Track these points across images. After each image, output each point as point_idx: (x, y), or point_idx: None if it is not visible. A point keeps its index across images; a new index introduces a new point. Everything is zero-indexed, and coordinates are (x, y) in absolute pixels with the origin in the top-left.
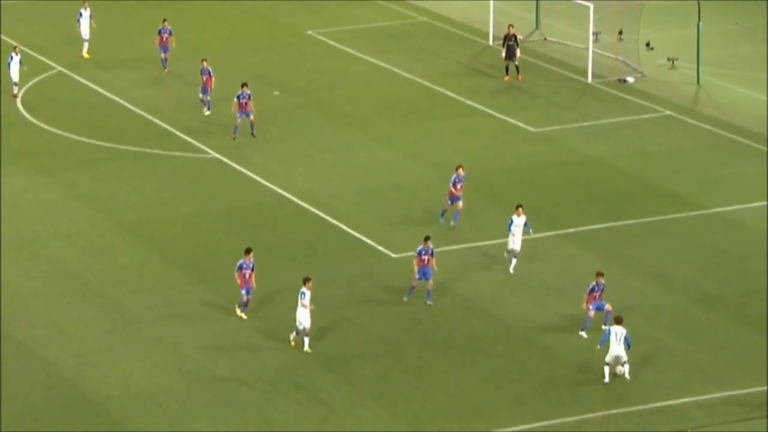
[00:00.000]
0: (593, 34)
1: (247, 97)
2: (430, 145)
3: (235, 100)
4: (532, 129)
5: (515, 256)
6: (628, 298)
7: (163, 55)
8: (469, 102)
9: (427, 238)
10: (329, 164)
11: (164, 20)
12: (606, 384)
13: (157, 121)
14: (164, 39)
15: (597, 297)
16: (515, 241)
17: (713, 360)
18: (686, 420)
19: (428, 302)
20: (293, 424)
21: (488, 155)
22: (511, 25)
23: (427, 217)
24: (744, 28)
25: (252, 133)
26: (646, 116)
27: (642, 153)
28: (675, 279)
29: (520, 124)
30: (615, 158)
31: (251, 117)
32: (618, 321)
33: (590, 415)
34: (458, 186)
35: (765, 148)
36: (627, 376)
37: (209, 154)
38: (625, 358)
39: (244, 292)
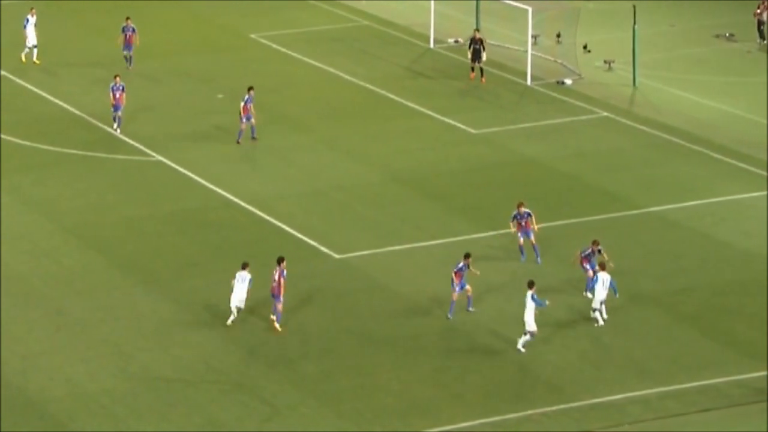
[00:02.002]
0: (532, 37)
1: (250, 100)
2: (373, 147)
3: (242, 103)
4: (472, 130)
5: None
6: (565, 295)
7: (126, 53)
8: (410, 104)
9: (467, 256)
10: (273, 166)
11: (127, 18)
12: (600, 325)
13: (100, 124)
14: (128, 37)
15: (590, 260)
16: (529, 321)
17: (649, 356)
18: (623, 415)
19: (469, 309)
20: (237, 424)
21: (429, 156)
22: (477, 30)
23: (370, 218)
24: (679, 29)
25: (253, 137)
26: (583, 117)
27: (579, 153)
28: (612, 276)
29: (460, 125)
30: (553, 159)
31: (252, 120)
32: (602, 267)
33: (531, 412)
34: (523, 222)
35: (700, 149)
36: (601, 320)
37: (153, 157)
38: (602, 301)
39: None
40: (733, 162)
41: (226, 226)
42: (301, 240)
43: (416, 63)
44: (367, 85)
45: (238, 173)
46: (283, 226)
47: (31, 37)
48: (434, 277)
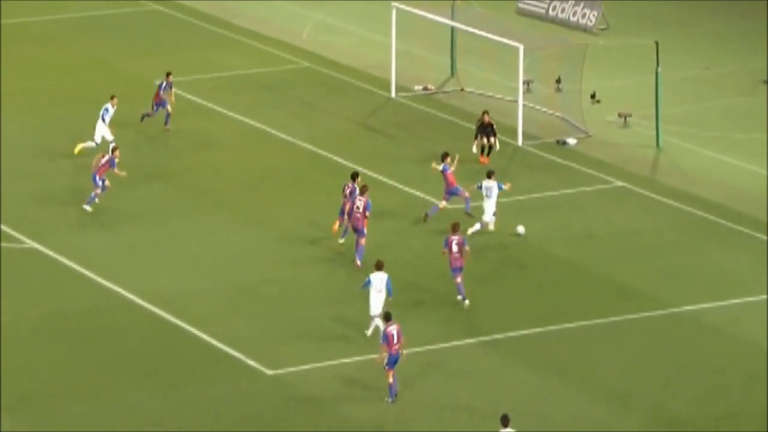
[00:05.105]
0: (524, 82)
1: (355, 195)
2: (316, 227)
3: (346, 190)
4: (447, 205)
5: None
6: (572, 421)
7: (152, 111)
8: (365, 171)
9: (455, 228)
10: (184, 254)
11: (168, 74)
12: (368, 336)
13: None
14: (162, 94)
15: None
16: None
17: None
18: None
19: (460, 298)
20: None
21: (390, 239)
22: (486, 112)
23: (311, 322)
24: (715, 74)
25: (342, 237)
26: (591, 188)
27: (587, 235)
28: (632, 398)
29: (430, 198)
30: (553, 242)
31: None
32: (379, 267)
33: None
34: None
35: (744, 229)
36: (369, 331)
37: (24, 243)
38: (380, 309)
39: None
40: None
41: (123, 333)
42: (221, 351)
43: (373, 117)
44: (309, 146)
45: (138, 264)
46: (199, 333)
47: (103, 132)
48: (401, 396)
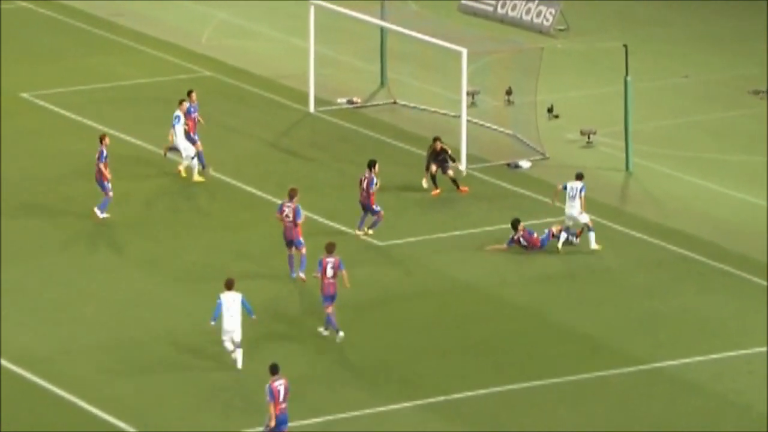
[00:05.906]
0: (468, 94)
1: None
2: (218, 268)
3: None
4: (377, 242)
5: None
6: None
7: (192, 145)
8: (277, 200)
9: (330, 245)
10: (60, 304)
11: (191, 92)
12: (239, 370)
13: None
14: (195, 120)
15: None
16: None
17: None
18: None
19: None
20: None
21: (312, 284)
22: (437, 138)
23: (210, 385)
24: (694, 82)
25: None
26: (549, 220)
27: (543, 278)
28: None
29: (352, 231)
30: (503, 286)
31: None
32: (229, 285)
33: None
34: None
35: (729, 269)
36: (239, 364)
37: None
38: (239, 335)
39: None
40: None
41: None
42: (104, 421)
43: (288, 136)
44: (211, 172)
45: (4, 316)
46: (75, 399)
47: (182, 141)
48: None
